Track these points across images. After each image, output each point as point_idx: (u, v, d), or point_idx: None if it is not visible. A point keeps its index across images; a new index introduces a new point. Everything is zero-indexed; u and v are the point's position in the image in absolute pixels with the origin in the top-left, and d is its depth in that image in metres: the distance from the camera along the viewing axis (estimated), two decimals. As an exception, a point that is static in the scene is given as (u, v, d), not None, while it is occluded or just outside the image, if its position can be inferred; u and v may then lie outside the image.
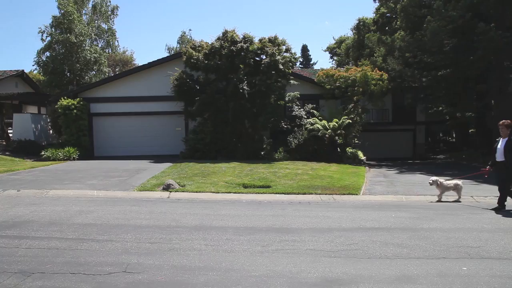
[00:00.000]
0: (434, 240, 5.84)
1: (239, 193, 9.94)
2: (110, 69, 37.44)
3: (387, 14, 29.97)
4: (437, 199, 9.45)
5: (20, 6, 77.21)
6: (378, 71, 19.65)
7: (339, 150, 17.54)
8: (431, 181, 9.46)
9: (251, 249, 5.33)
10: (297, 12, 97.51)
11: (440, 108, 23.42)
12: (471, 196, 9.94)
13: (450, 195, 9.64)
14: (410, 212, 8.00)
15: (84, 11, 36.18)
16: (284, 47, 18.45)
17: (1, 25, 75.95)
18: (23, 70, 26.34)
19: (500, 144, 8.43)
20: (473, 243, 5.70)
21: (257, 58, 17.90)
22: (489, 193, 10.31)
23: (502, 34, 16.52)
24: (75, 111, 18.59)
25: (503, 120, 8.55)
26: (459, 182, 9.56)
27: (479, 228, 6.62)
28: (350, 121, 17.94)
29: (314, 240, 5.76)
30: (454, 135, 34.88)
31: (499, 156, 8.40)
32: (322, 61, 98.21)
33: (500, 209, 8.33)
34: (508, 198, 8.47)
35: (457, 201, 9.44)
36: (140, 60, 58.31)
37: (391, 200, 9.64)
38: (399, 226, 6.71)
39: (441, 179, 9.56)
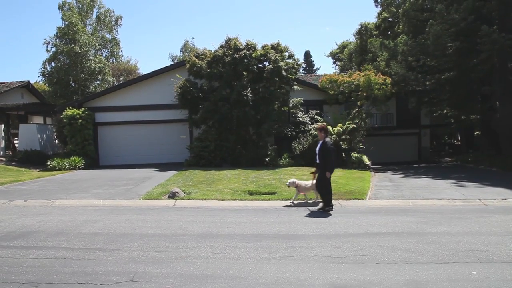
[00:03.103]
0: (442, 244, 5.79)
1: (244, 200, 9.92)
2: (114, 78, 37.73)
3: (389, 19, 30.10)
4: (293, 199, 9.51)
5: (25, 18, 78.27)
6: (381, 76, 19.64)
7: (344, 155, 17.47)
8: (288, 183, 9.57)
9: (258, 256, 5.30)
10: (300, 18, 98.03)
11: (445, 111, 23.33)
12: (479, 199, 9.85)
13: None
14: (417, 216, 7.94)
15: (88, 22, 36.55)
16: (287, 54, 18.52)
17: (7, 37, 76.94)
18: (28, 81, 26.57)
19: (318, 147, 8.80)
20: (482, 247, 5.64)
21: (260, 65, 17.95)
22: (497, 196, 10.24)
23: (505, 36, 16.48)
24: (80, 120, 18.69)
25: (319, 124, 8.83)
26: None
27: (488, 232, 6.55)
28: (355, 126, 17.90)
29: (321, 246, 5.73)
30: (459, 138, 34.68)
31: (318, 158, 8.79)
32: (325, 67, 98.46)
33: (327, 209, 8.56)
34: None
35: (317, 200, 9.35)
36: (144, 69, 58.65)
37: (397, 204, 9.57)
38: (406, 231, 6.66)
39: (298, 181, 9.55)
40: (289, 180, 9.65)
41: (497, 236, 6.28)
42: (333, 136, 17.21)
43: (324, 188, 8.63)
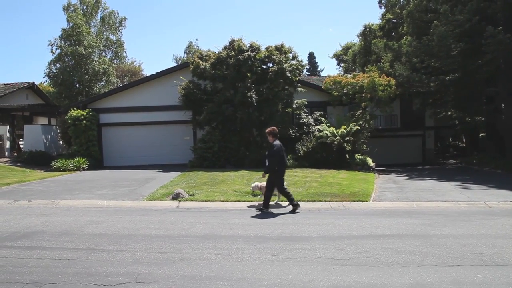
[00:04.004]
0: (447, 247, 5.75)
1: (248, 201, 9.89)
2: (118, 79, 37.85)
3: (393, 20, 30.02)
4: (259, 203, 9.47)
5: (30, 20, 78.76)
6: (385, 77, 19.56)
7: (347, 156, 17.42)
8: (252, 188, 9.60)
9: (262, 258, 5.29)
10: (303, 19, 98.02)
11: (449, 112, 23.23)
12: (484, 202, 9.78)
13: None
14: (422, 218, 7.90)
15: (92, 23, 36.74)
16: (291, 55, 18.49)
17: (12, 39, 77.48)
18: (33, 82, 26.72)
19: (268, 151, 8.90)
20: (487, 249, 5.60)
21: (264, 66, 17.95)
22: (502, 198, 10.17)
23: (510, 37, 16.39)
24: (84, 121, 18.77)
25: (269, 128, 9.02)
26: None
27: (493, 234, 6.50)
28: (359, 127, 17.84)
29: (324, 248, 5.71)
30: (464, 140, 34.50)
31: (266, 161, 8.85)
32: (329, 68, 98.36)
33: (264, 210, 8.64)
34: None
35: (278, 202, 9.45)
36: (148, 70, 59.03)
37: (401, 206, 9.52)
38: (410, 233, 6.62)
39: (261, 183, 9.53)
40: (252, 185, 9.75)
41: (503, 239, 6.23)
42: (337, 137, 17.18)
43: (267, 191, 8.76)
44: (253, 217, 8.08)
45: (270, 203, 9.14)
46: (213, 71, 17.58)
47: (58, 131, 22.71)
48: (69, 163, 17.32)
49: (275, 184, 8.72)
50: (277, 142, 8.74)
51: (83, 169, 17.39)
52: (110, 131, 20.33)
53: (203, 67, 17.76)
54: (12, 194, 10.91)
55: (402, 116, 25.29)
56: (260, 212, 8.62)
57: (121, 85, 31.70)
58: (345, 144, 17.21)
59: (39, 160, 19.29)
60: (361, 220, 7.77)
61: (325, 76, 25.34)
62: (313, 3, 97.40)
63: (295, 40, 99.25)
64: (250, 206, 9.30)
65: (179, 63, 42.33)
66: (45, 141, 21.40)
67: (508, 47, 16.48)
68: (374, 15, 74.28)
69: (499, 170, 17.65)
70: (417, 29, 21.54)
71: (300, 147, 18.05)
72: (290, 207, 8.73)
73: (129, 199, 10.21)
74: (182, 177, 13.79)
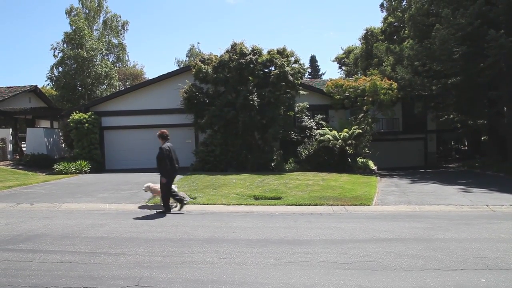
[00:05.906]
0: (450, 251, 5.73)
1: (250, 205, 9.90)
2: (120, 83, 37.97)
3: (395, 24, 30.05)
4: (148, 201, 9.58)
5: (33, 23, 79.17)
6: (387, 80, 19.57)
7: (349, 160, 17.42)
8: (144, 188, 9.66)
9: (264, 261, 5.28)
10: (305, 23, 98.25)
11: (451, 116, 23.19)
12: (486, 205, 9.74)
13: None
14: (424, 222, 7.87)
15: (95, 27, 36.93)
16: (292, 58, 18.52)
17: (15, 42, 77.85)
18: (36, 86, 26.79)
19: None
20: (491, 253, 5.57)
21: (266, 70, 17.97)
22: (505, 202, 10.13)
23: (512, 40, 16.39)
24: (86, 125, 18.80)
25: (159, 131, 9.19)
26: (172, 186, 9.41)
27: (497, 238, 6.47)
28: (360, 131, 17.83)
29: (327, 252, 5.70)
30: (466, 143, 34.42)
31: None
32: (331, 72, 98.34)
33: (164, 212, 8.84)
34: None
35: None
36: (150, 73, 59.02)
37: (404, 210, 9.50)
38: (413, 237, 6.60)
39: (153, 185, 9.55)
40: (145, 185, 9.80)
41: (506, 243, 6.20)
42: (339, 141, 17.17)
43: (163, 192, 8.97)
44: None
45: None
46: (215, 75, 17.61)
47: (60, 134, 22.74)
48: (71, 166, 17.33)
49: (163, 184, 8.84)
50: (166, 145, 8.87)
51: (85, 172, 17.40)
52: (112, 134, 20.35)
53: (205, 70, 17.80)
54: (15, 197, 10.92)
55: (404, 119, 25.28)
56: (159, 212, 8.86)
57: (123, 89, 31.83)
58: (347, 147, 17.20)
59: (41, 163, 19.30)
60: (363, 223, 7.75)
61: (327, 80, 25.38)
62: (314, 7, 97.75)
63: (297, 44, 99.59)
64: (141, 207, 9.46)
65: (181, 66, 42.43)
66: (47, 144, 21.44)
67: (510, 50, 16.46)
68: (375, 19, 74.47)
69: (502, 173, 17.59)
70: (419, 33, 21.56)
71: (302, 150, 18.06)
72: (191, 208, 9.21)
73: (131, 202, 10.21)
74: (184, 180, 13.79)
